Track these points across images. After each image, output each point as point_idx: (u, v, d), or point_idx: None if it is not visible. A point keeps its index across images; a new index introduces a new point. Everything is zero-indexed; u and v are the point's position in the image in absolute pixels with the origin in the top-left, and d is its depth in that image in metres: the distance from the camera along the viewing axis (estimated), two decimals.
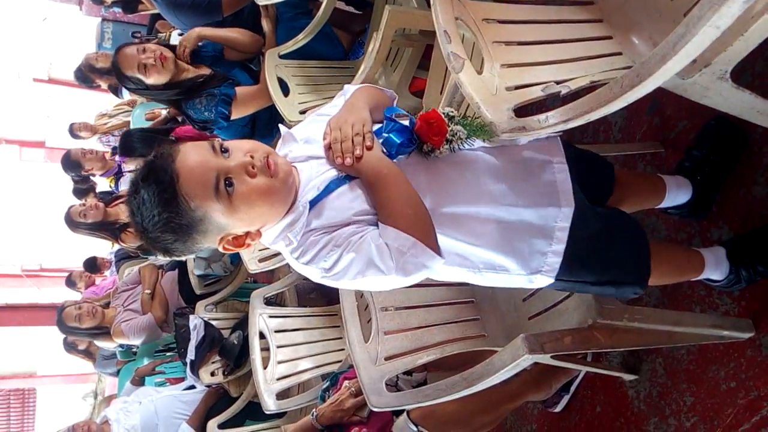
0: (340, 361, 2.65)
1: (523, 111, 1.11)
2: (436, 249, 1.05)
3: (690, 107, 1.68)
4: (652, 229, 1.78)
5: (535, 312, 1.59)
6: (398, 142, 1.12)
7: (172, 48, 2.73)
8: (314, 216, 1.09)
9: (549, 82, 1.15)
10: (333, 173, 1.12)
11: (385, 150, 1.12)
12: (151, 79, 2.60)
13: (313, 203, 1.09)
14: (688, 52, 0.82)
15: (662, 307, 1.72)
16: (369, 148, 1.10)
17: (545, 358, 1.29)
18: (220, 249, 1.10)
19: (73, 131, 5.76)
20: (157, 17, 4.89)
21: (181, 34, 3.56)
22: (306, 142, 1.18)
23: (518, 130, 1.04)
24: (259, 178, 1.03)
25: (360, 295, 1.73)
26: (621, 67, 1.26)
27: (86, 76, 5.29)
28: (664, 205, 1.62)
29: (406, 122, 1.15)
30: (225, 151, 1.04)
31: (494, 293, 1.73)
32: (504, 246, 1.15)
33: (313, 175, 1.12)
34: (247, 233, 1.10)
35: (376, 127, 1.18)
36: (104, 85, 5.60)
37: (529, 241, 1.16)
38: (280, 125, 1.28)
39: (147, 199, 1.00)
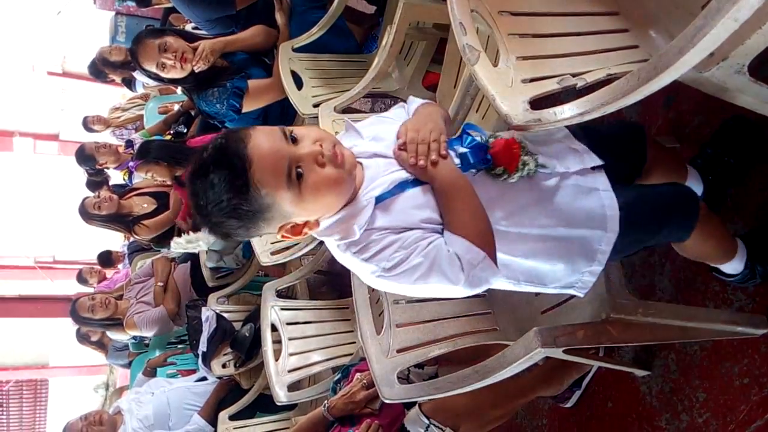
0: (351, 354, 2.66)
1: (538, 104, 1.11)
2: (497, 265, 1.08)
3: (706, 102, 1.67)
4: None
5: (548, 306, 1.58)
6: (474, 160, 1.13)
7: (189, 37, 2.73)
8: (380, 214, 1.08)
9: (565, 74, 1.15)
10: (401, 174, 1.11)
11: (458, 164, 1.13)
12: (168, 76, 2.63)
13: (380, 200, 1.08)
14: (706, 44, 0.82)
15: (676, 303, 1.72)
16: (444, 157, 1.10)
17: (557, 352, 1.29)
18: (279, 236, 1.09)
19: (87, 124, 5.80)
20: (170, 11, 4.91)
21: (194, 28, 3.58)
22: (373, 139, 1.18)
23: (534, 123, 1.04)
24: (327, 168, 1.02)
25: (372, 288, 1.73)
26: (637, 60, 1.25)
27: (100, 70, 5.33)
28: None
29: (482, 140, 1.16)
30: (294, 139, 1.03)
31: None
32: (549, 262, 1.17)
33: (380, 173, 1.12)
34: (306, 222, 1.08)
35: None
36: (118, 79, 5.64)
37: (572, 259, 1.17)
38: (345, 119, 1.28)
39: (217, 184, 0.97)
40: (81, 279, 6.13)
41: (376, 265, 1.07)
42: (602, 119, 1.06)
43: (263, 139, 1.00)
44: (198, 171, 1.01)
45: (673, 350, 1.73)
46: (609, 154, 1.23)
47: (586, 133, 1.25)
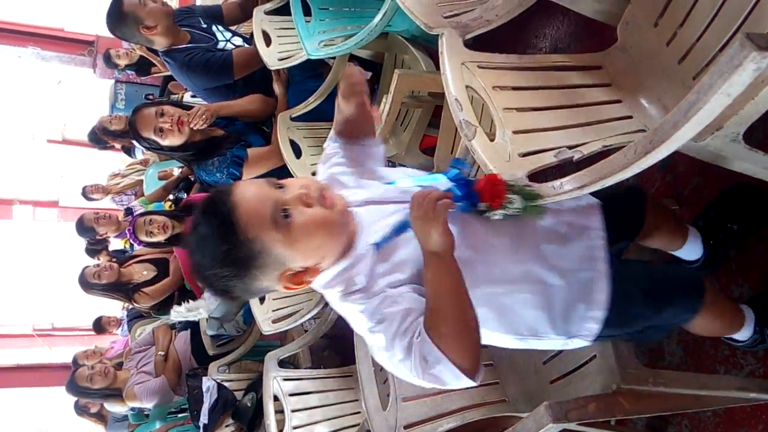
0: (356, 425, 2.59)
1: (536, 176, 1.11)
2: (469, 369, 0.97)
3: (703, 164, 1.66)
4: None
5: (557, 375, 1.55)
6: (460, 193, 1.11)
7: (187, 107, 2.77)
8: (380, 261, 1.06)
9: (561, 147, 1.16)
10: (397, 217, 1.09)
11: None
12: (166, 142, 2.64)
13: (379, 245, 1.07)
14: (700, 119, 0.82)
15: (685, 369, 1.68)
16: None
17: (569, 426, 1.26)
18: (281, 288, 1.07)
19: (86, 194, 5.84)
20: (169, 79, 5.00)
21: (193, 96, 3.63)
22: (359, 187, 1.18)
23: None
24: (315, 208, 1.03)
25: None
26: (632, 131, 1.27)
27: (99, 138, 5.40)
28: (676, 254, 1.59)
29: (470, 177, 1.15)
30: (280, 187, 1.04)
31: (513, 356, 1.69)
32: (550, 309, 1.14)
33: (375, 219, 1.10)
34: (306, 269, 1.06)
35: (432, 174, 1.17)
36: (117, 146, 5.70)
37: (572, 305, 1.14)
38: (330, 172, 1.26)
39: (206, 234, 1.00)
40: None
41: (368, 319, 1.04)
42: None
43: (249, 187, 1.04)
44: (192, 227, 1.04)
45: (686, 417, 1.68)
46: (607, 214, 1.22)
47: None
